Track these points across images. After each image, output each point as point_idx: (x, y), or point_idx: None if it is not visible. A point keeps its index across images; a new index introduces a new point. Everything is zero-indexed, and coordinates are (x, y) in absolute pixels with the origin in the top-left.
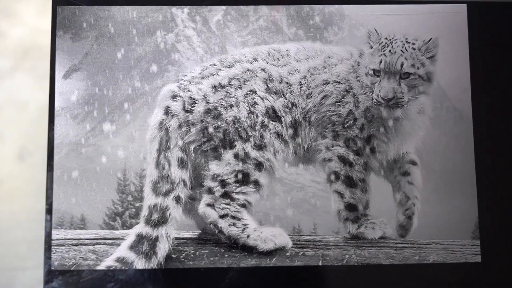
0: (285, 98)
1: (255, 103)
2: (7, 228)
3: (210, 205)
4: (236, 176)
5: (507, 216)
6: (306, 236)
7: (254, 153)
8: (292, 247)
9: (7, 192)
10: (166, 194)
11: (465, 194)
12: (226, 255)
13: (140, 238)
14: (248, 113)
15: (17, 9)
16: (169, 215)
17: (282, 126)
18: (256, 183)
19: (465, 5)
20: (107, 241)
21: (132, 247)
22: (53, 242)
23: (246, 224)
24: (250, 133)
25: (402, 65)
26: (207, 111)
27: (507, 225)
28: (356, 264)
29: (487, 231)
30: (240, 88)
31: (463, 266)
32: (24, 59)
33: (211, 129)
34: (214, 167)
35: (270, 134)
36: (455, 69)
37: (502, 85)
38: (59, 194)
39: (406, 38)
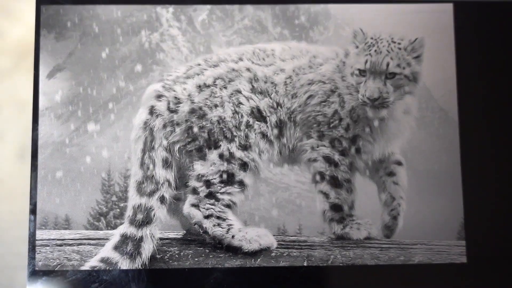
0: (270, 98)
1: (240, 103)
2: (7, 227)
3: (195, 206)
4: (221, 176)
5: (492, 217)
6: (291, 236)
7: (239, 153)
8: (277, 247)
9: (7, 191)
10: (151, 194)
11: (451, 194)
12: (210, 256)
13: (125, 238)
14: (233, 113)
15: (17, 8)
16: (154, 216)
17: (267, 126)
18: (241, 184)
19: (451, 4)
20: (92, 242)
21: (116, 248)
22: (37, 242)
23: (231, 225)
24: (235, 133)
25: (387, 65)
26: (192, 111)
27: (492, 226)
28: (341, 264)
29: (472, 232)
30: (225, 88)
31: (448, 267)
32: (24, 59)
33: (196, 129)
34: (199, 167)
35: (255, 134)
36: (441, 69)
37: (488, 85)
38: (43, 194)
39: (392, 38)
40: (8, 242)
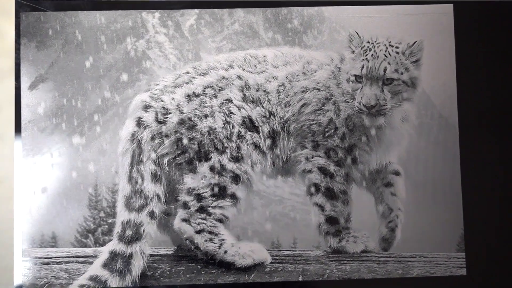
0: (263, 107)
1: (231, 113)
2: (7, 228)
3: (186, 220)
4: (212, 189)
5: (493, 228)
6: (286, 251)
7: (230, 166)
8: (271, 262)
9: (7, 192)
10: (140, 209)
11: (450, 205)
12: (203, 272)
13: (114, 255)
14: (224, 123)
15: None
16: (143, 231)
17: (259, 136)
18: (233, 197)
19: (451, 5)
20: (80, 259)
21: (105, 265)
22: (23, 260)
23: (223, 240)
24: (226, 145)
25: (385, 70)
26: (181, 122)
27: (493, 237)
28: (337, 279)
29: (472, 243)
30: (215, 97)
31: (448, 280)
32: None
33: (185, 141)
34: (189, 181)
35: (247, 145)
36: (440, 74)
37: (489, 90)
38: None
39: (390, 42)
40: (7, 243)
